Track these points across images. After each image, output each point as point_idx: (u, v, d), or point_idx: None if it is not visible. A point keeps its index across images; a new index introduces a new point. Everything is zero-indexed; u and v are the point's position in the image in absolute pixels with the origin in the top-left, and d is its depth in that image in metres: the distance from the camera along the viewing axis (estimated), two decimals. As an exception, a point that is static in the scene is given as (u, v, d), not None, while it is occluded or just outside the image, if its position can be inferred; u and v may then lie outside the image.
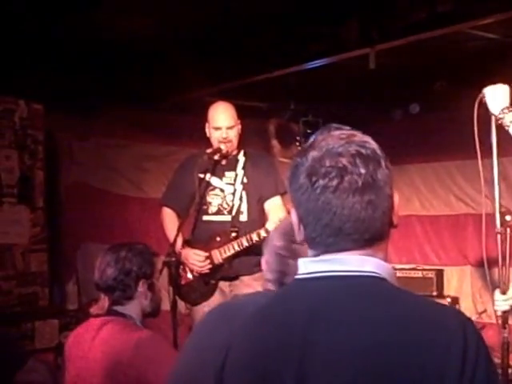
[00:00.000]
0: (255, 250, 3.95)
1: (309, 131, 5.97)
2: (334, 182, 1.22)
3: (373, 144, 1.27)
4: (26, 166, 4.77)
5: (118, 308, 2.64)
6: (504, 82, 4.70)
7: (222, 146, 3.94)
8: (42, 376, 2.75)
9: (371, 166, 1.24)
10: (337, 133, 1.28)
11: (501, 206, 3.17)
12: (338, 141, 1.26)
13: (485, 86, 4.83)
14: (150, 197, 5.57)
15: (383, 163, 1.26)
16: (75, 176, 5.39)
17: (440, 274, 5.92)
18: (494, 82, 4.76)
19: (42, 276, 4.87)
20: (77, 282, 5.31)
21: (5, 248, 4.62)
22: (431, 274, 5.85)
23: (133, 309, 2.65)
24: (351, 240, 1.25)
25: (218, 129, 3.96)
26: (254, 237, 3.83)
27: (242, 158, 4.08)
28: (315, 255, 1.29)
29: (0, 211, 4.62)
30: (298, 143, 6.07)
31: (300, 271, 1.31)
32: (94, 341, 2.54)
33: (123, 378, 2.41)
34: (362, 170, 1.23)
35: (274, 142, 5.99)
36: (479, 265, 5.93)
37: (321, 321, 1.21)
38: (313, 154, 1.26)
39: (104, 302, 2.69)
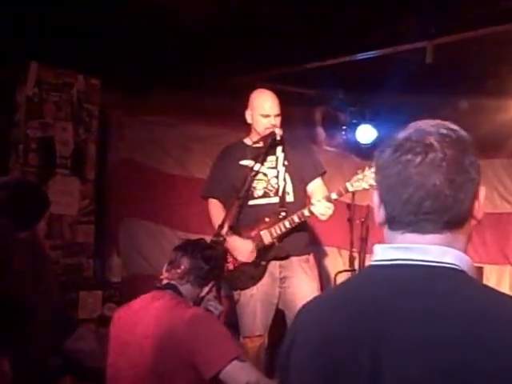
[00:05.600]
0: (304, 229, 4.03)
1: (355, 121, 6.00)
2: (418, 158, 1.22)
3: (463, 132, 1.27)
4: (80, 139, 4.87)
5: (181, 285, 2.74)
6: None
7: (276, 130, 4.01)
8: (90, 345, 2.82)
9: (459, 149, 1.22)
10: (430, 120, 1.30)
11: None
12: (428, 123, 1.28)
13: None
14: (194, 176, 5.64)
15: (471, 150, 1.25)
16: (123, 152, 5.47)
17: (480, 271, 5.88)
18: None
19: (88, 247, 4.98)
20: (120, 256, 5.40)
21: (55, 218, 4.69)
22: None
23: (190, 293, 2.76)
24: (430, 221, 1.22)
25: (266, 116, 4.03)
26: (306, 212, 3.88)
27: (279, 142, 4.12)
28: (393, 238, 1.28)
29: (53, 181, 4.73)
30: (343, 133, 6.10)
31: (377, 257, 1.29)
32: (146, 314, 2.61)
33: (173, 352, 2.47)
34: (449, 151, 1.21)
35: (320, 130, 6.01)
36: (518, 265, 5.95)
37: (396, 311, 1.19)
38: (401, 133, 1.28)
39: (173, 274, 2.78)
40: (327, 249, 5.89)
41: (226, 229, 3.93)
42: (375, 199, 1.32)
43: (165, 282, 2.77)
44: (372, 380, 1.17)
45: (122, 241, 5.48)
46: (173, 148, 5.75)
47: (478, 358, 1.08)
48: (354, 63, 4.69)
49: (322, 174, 4.17)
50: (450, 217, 1.22)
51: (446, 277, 1.21)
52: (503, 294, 1.22)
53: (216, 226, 4.00)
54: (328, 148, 5.87)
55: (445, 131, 1.24)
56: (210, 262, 2.79)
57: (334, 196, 3.84)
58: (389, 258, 1.26)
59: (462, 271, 1.22)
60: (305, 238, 4.11)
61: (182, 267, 2.75)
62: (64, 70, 4.74)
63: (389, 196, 1.27)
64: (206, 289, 2.81)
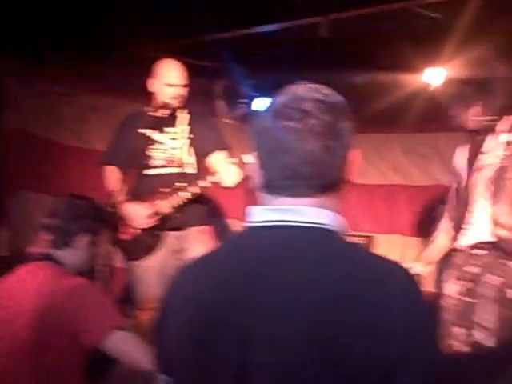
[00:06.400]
0: (202, 201, 4.04)
1: (254, 94, 6.03)
2: (296, 125, 1.25)
3: (339, 97, 1.32)
4: (-33, 109, 4.66)
5: (55, 252, 2.65)
6: (442, 62, 4.88)
7: (173, 101, 3.99)
8: None
9: (334, 115, 1.27)
10: (305, 85, 1.33)
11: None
12: (306, 89, 1.31)
13: (423, 63, 5.00)
14: (92, 148, 5.53)
15: (346, 114, 1.30)
16: (17, 122, 5.26)
17: (370, 240, 6.13)
18: (432, 61, 4.94)
19: (-25, 221, 4.78)
20: (10, 229, 5.24)
21: None
22: (362, 241, 6.05)
23: (69, 257, 2.66)
24: (308, 185, 1.26)
25: (172, 86, 4.01)
26: (204, 183, 3.89)
27: (186, 116, 4.13)
28: (269, 201, 1.31)
29: None
30: (243, 105, 6.12)
31: (253, 219, 1.31)
32: (26, 285, 2.53)
33: (55, 324, 2.42)
34: (325, 117, 1.26)
35: (220, 103, 6.01)
36: (409, 234, 6.20)
37: (270, 273, 1.21)
38: (279, 99, 1.31)
39: (43, 243, 2.67)
40: (228, 221, 5.93)
41: (121, 197, 3.90)
42: (253, 164, 1.34)
43: (42, 251, 2.67)
44: (245, 343, 1.19)
45: (13, 214, 5.31)
46: (70, 119, 5.58)
47: (348, 316, 1.14)
48: (253, 36, 4.70)
49: (225, 149, 4.18)
50: (325, 181, 1.27)
51: (321, 237, 1.25)
52: (375, 255, 1.27)
53: (110, 190, 3.99)
54: (228, 121, 5.88)
55: (320, 96, 1.28)
56: (78, 212, 2.67)
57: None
58: (264, 220, 1.29)
59: (335, 232, 1.27)
60: (202, 210, 4.12)
61: (54, 231, 2.65)
62: None
63: (268, 161, 1.30)
64: (83, 245, 2.69)
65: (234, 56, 5.40)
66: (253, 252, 1.27)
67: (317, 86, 1.32)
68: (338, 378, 1.13)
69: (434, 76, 5.14)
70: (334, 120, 1.26)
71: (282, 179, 1.27)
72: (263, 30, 4.55)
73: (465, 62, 4.16)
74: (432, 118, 5.38)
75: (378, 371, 1.12)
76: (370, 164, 6.37)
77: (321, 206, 1.27)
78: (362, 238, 6.08)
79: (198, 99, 5.28)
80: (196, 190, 3.92)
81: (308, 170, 1.25)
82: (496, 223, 3.17)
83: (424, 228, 5.97)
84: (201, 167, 4.12)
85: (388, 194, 6.29)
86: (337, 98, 1.31)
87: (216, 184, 3.92)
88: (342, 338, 1.13)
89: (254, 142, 1.33)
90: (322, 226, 1.26)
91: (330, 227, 1.26)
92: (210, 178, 3.88)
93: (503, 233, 3.14)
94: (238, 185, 3.92)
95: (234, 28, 4.70)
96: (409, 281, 1.21)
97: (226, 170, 3.83)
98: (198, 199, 4.00)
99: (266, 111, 1.31)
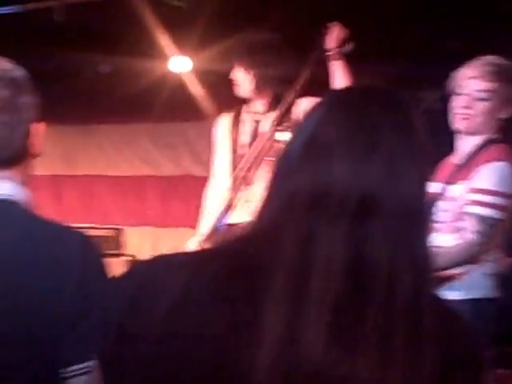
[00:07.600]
0: None
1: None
2: None
3: (20, 71, 1.31)
4: None
5: None
6: (189, 51, 4.85)
7: None
8: None
9: (14, 89, 1.27)
10: None
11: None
12: None
13: (170, 52, 4.91)
14: None
15: (27, 89, 1.31)
16: None
17: (120, 233, 6.01)
18: (179, 50, 4.88)
19: None
20: None
21: None
22: (111, 233, 5.91)
23: None
24: None
25: None
26: None
27: None
28: None
29: None
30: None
31: None
32: None
33: None
34: (3, 92, 1.26)
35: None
36: (161, 225, 6.17)
37: None
38: None
39: None
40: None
41: None
42: None
43: None
44: None
45: None
46: None
47: (27, 278, 1.22)
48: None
49: None
50: (4, 156, 1.29)
51: (2, 207, 1.29)
52: (51, 221, 1.33)
53: None
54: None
55: None
56: None
57: None
58: None
59: (15, 202, 1.30)
60: None
61: None
62: None
63: None
64: None
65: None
66: None
67: None
68: (29, 340, 1.20)
69: (181, 65, 5.10)
70: (13, 95, 1.28)
71: None
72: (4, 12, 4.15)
73: (213, 51, 4.17)
74: (180, 107, 5.36)
75: (58, 322, 1.21)
76: (118, 155, 6.23)
77: (3, 179, 1.30)
78: (110, 231, 5.91)
79: None
80: None
81: None
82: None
83: (177, 218, 5.99)
84: None
85: (138, 186, 6.21)
86: (18, 72, 1.31)
87: None
88: (22, 297, 1.21)
89: None
90: (2, 196, 1.29)
91: (11, 197, 1.30)
92: None
93: None
94: None
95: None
96: (85, 243, 1.30)
97: None
98: None
99: None
